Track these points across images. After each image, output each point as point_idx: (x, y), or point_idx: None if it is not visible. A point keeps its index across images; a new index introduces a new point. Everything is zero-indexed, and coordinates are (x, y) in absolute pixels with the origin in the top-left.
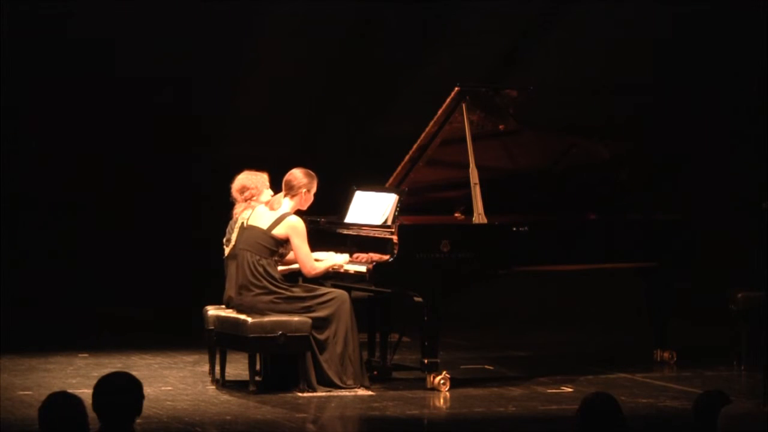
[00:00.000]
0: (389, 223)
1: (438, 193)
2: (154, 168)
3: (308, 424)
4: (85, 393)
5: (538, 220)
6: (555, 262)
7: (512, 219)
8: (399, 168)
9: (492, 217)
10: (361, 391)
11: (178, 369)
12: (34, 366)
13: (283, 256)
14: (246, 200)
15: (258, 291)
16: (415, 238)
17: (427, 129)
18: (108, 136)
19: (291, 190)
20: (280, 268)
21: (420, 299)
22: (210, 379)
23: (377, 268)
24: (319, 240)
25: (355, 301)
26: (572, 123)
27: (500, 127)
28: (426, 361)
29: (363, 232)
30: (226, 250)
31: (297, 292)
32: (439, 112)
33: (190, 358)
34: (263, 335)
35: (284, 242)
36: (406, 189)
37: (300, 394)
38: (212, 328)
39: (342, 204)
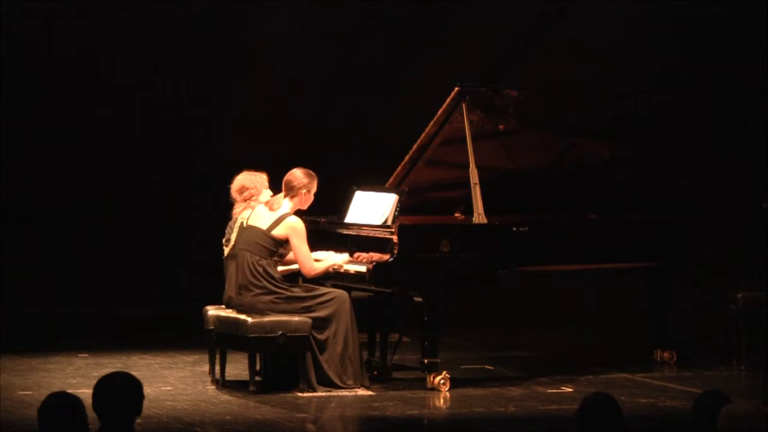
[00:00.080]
0: (389, 223)
1: (438, 193)
2: (154, 168)
3: (308, 424)
4: (85, 393)
5: (538, 220)
6: (555, 262)
7: (512, 219)
8: (399, 168)
9: (492, 217)
10: (361, 391)
11: (178, 369)
12: (34, 366)
13: (282, 256)
14: (245, 200)
15: (258, 291)
16: (415, 238)
17: (427, 129)
18: (108, 137)
19: (291, 191)
20: (280, 268)
21: (420, 299)
22: (210, 379)
23: (377, 268)
24: (319, 240)
25: (355, 301)
26: (572, 124)
27: (500, 127)
28: (426, 361)
29: (363, 232)
30: (226, 251)
31: (297, 292)
32: (439, 112)
33: (190, 358)
34: (263, 335)
35: (284, 243)
36: (406, 189)
37: (300, 394)
38: (212, 328)
39: (342, 204)
